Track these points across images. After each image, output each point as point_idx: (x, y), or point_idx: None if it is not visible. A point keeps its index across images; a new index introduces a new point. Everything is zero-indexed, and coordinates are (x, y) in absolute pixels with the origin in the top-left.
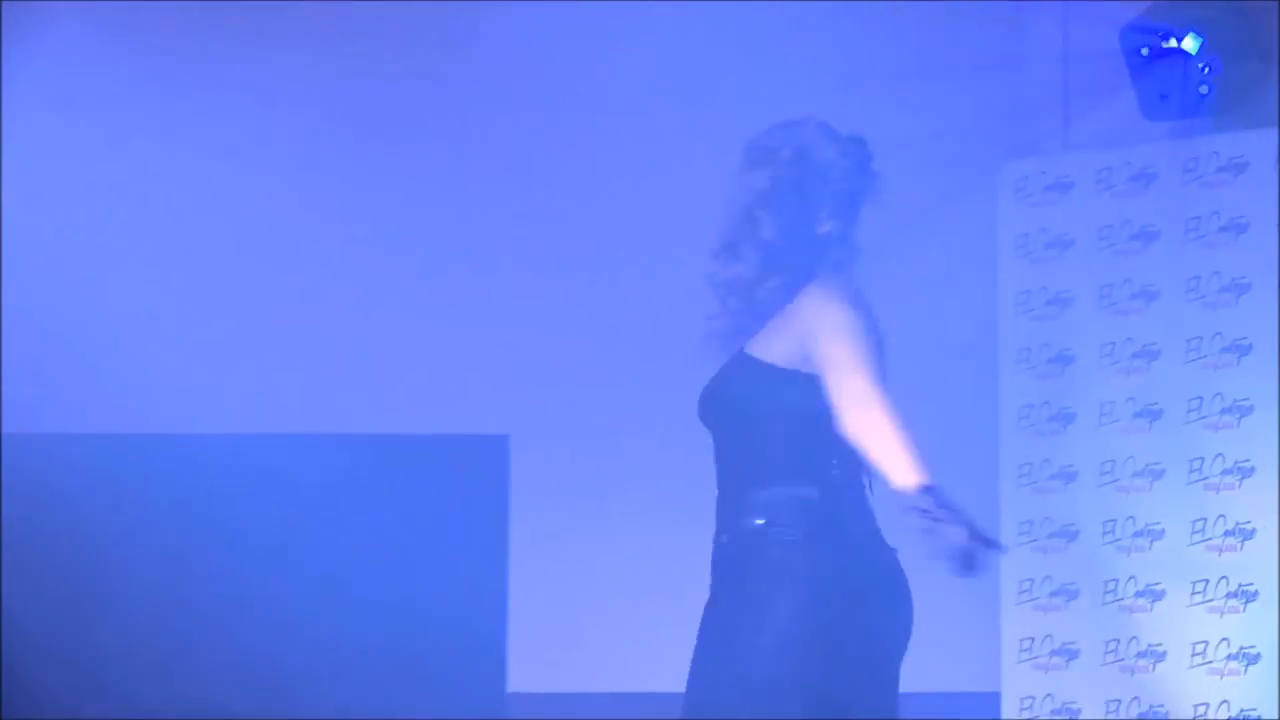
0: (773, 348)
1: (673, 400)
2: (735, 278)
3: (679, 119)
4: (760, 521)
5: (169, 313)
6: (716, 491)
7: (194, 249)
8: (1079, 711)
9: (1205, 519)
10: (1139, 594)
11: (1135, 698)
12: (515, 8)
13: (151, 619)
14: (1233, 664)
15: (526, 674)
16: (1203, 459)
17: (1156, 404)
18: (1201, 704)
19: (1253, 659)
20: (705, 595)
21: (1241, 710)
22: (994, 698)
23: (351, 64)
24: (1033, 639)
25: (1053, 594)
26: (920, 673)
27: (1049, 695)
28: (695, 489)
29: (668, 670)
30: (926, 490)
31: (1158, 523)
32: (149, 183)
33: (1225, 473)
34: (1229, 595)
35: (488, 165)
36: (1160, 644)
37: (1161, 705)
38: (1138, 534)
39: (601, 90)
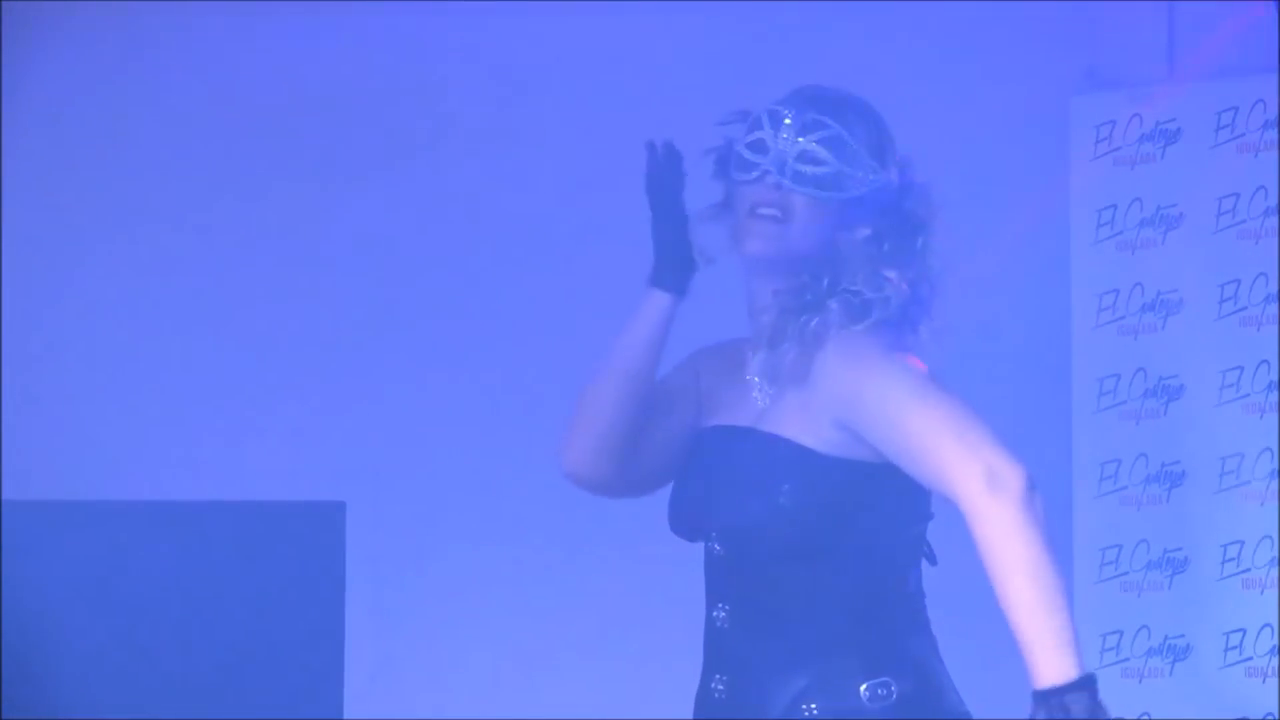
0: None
1: (520, 467)
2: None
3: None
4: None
5: None
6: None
7: None
8: None
9: None
10: None
11: None
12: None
13: None
14: None
15: None
16: None
17: None
18: None
19: None
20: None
21: None
22: None
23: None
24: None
25: None
26: None
27: None
28: (546, 563)
29: None
30: (1084, 684)
31: None
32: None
33: None
34: None
35: (302, 216)
36: None
37: None
38: (1274, 651)
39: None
